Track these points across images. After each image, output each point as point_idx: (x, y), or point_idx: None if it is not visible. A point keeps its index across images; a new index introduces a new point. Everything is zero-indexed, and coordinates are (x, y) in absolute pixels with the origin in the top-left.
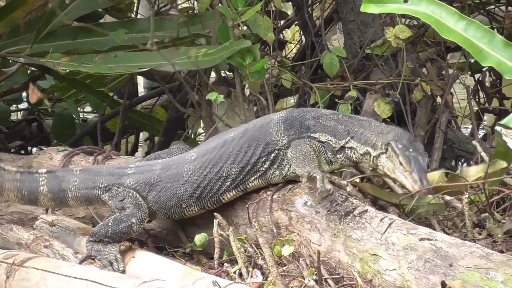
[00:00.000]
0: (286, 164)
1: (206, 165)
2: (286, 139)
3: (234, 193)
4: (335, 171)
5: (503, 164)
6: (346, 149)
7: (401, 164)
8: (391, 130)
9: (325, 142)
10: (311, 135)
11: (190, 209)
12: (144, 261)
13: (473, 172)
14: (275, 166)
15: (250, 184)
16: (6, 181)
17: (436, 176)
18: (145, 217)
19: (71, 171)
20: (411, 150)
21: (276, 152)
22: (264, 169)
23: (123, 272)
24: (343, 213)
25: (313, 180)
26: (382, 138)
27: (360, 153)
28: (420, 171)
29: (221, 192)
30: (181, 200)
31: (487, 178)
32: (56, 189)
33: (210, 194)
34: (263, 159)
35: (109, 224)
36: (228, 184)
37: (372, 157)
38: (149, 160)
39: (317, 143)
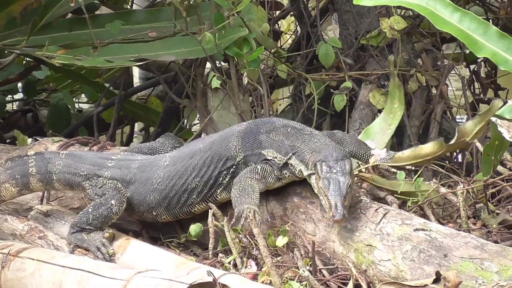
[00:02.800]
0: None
1: (173, 176)
2: (242, 154)
3: (204, 205)
4: None
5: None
6: (289, 165)
7: (321, 187)
8: (324, 147)
9: (271, 159)
10: (261, 151)
11: (161, 217)
12: (139, 251)
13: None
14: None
15: (219, 197)
16: (0, 175)
17: (427, 150)
18: (124, 200)
19: (58, 154)
20: (334, 171)
21: (235, 167)
22: (226, 182)
23: (113, 255)
24: None
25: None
26: (313, 157)
27: (297, 170)
28: (336, 196)
29: (189, 204)
30: (151, 207)
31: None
32: (43, 170)
33: (179, 205)
34: (224, 173)
35: (89, 210)
36: (194, 196)
37: (305, 176)
38: (132, 151)
39: (261, 166)
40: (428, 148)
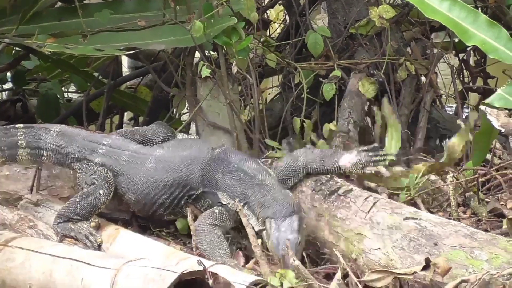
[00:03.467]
0: (208, 201)
1: (149, 185)
2: (201, 189)
3: (173, 216)
4: None
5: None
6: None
7: (271, 246)
8: (272, 202)
9: (225, 204)
10: (217, 192)
11: (140, 214)
12: (128, 241)
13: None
14: (201, 203)
15: (185, 212)
16: None
17: (420, 169)
18: (111, 189)
19: (48, 130)
20: (283, 229)
21: (195, 196)
22: (190, 203)
23: (101, 243)
24: (328, 192)
25: None
26: (263, 212)
27: (250, 221)
28: (286, 255)
29: (158, 214)
30: (130, 203)
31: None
32: (33, 145)
33: (150, 212)
34: (186, 198)
35: (77, 200)
36: (162, 209)
37: (256, 231)
38: (124, 135)
39: (219, 210)
40: (419, 167)
